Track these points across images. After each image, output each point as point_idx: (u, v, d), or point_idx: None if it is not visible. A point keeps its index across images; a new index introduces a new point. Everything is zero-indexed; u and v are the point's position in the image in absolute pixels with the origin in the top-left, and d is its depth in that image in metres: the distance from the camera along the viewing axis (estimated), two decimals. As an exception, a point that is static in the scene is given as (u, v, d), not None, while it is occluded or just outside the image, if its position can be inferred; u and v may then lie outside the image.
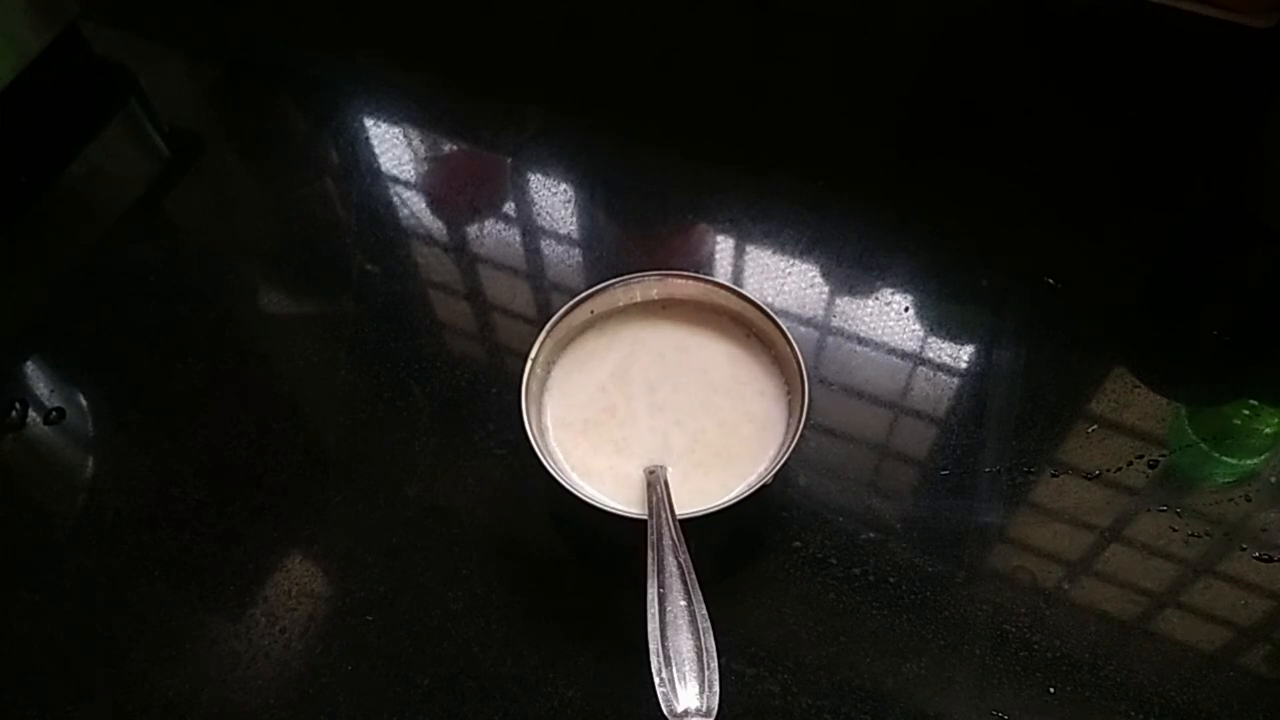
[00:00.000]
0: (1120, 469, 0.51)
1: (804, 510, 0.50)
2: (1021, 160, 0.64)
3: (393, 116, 0.70)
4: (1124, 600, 0.47)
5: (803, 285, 0.59)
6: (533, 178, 0.66)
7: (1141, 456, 0.51)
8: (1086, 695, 0.44)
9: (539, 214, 0.63)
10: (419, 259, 0.62)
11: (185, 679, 0.47)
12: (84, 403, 0.57)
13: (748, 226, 0.62)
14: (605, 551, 0.50)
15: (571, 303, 0.50)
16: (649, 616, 0.40)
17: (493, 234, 0.63)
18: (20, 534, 0.52)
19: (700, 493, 0.46)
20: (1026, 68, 0.69)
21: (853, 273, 0.59)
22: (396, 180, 0.66)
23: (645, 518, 0.44)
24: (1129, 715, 0.44)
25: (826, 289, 0.59)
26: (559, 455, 0.48)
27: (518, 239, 0.63)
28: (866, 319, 0.57)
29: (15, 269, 0.64)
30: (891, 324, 0.57)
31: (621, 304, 0.52)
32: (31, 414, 0.56)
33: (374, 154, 0.67)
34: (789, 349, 0.48)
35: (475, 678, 0.46)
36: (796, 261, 0.60)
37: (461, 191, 0.65)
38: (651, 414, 0.49)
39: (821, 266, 0.60)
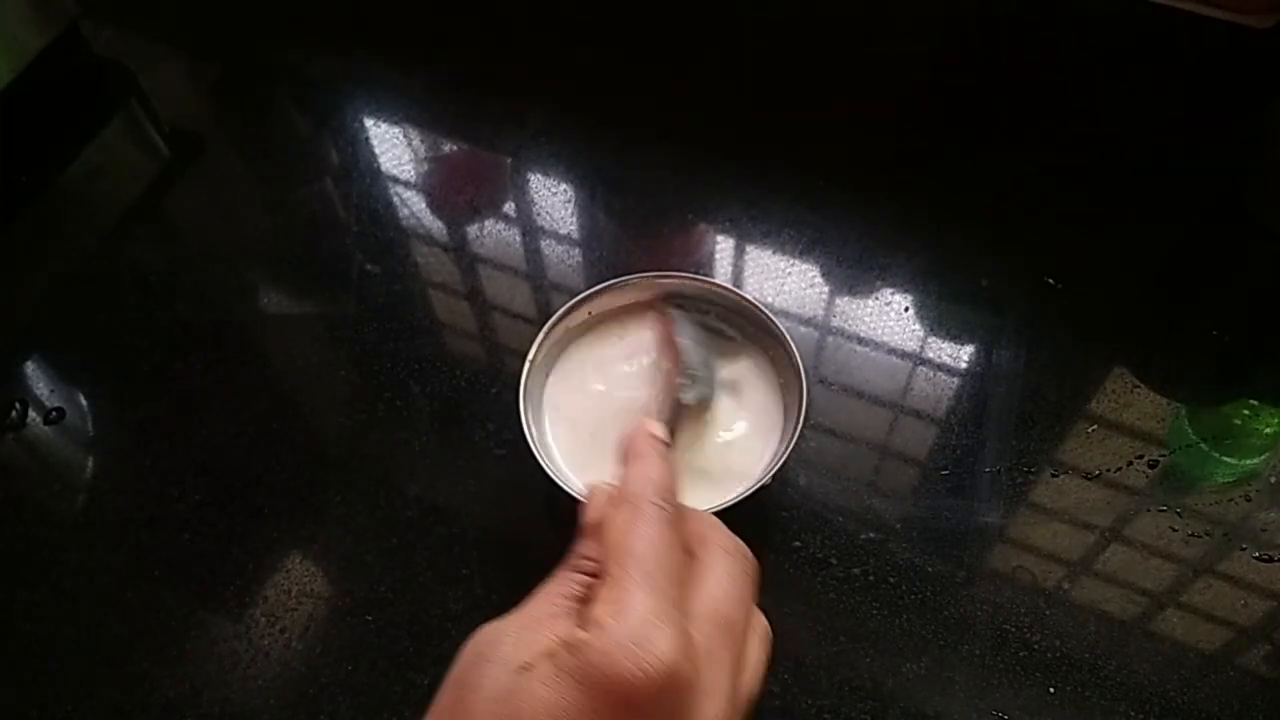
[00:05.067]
0: (1120, 469, 0.51)
1: (804, 510, 0.50)
2: (1022, 160, 0.64)
3: (393, 116, 0.70)
4: (1124, 600, 0.47)
5: (803, 285, 0.59)
6: (533, 178, 0.66)
7: (1141, 456, 0.51)
8: (1086, 695, 0.44)
9: (539, 214, 0.63)
10: (419, 259, 0.62)
11: (185, 679, 0.47)
12: (84, 403, 0.57)
13: (748, 226, 0.62)
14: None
15: (570, 303, 0.50)
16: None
17: (493, 234, 0.63)
18: (20, 534, 0.52)
19: (699, 493, 0.46)
20: (1026, 68, 0.69)
21: (853, 273, 0.59)
22: (396, 180, 0.66)
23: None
24: (1129, 715, 0.44)
25: (826, 289, 0.59)
26: (558, 455, 0.48)
27: (518, 239, 0.63)
28: (866, 319, 0.57)
29: (15, 269, 0.64)
30: (891, 324, 0.57)
31: (620, 304, 0.52)
32: (31, 414, 0.56)
33: (374, 154, 0.67)
34: (787, 349, 0.48)
35: (475, 678, 0.46)
36: (796, 261, 0.60)
37: (461, 191, 0.65)
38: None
39: (821, 266, 0.60)
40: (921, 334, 0.57)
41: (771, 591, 0.48)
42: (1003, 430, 0.52)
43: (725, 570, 0.31)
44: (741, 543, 0.33)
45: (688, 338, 0.47)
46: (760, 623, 0.33)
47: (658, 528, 0.31)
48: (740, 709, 0.30)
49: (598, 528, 0.32)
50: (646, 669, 0.26)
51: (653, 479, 0.33)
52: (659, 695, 0.27)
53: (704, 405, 0.47)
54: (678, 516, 0.32)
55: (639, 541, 0.30)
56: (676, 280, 0.51)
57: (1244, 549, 0.48)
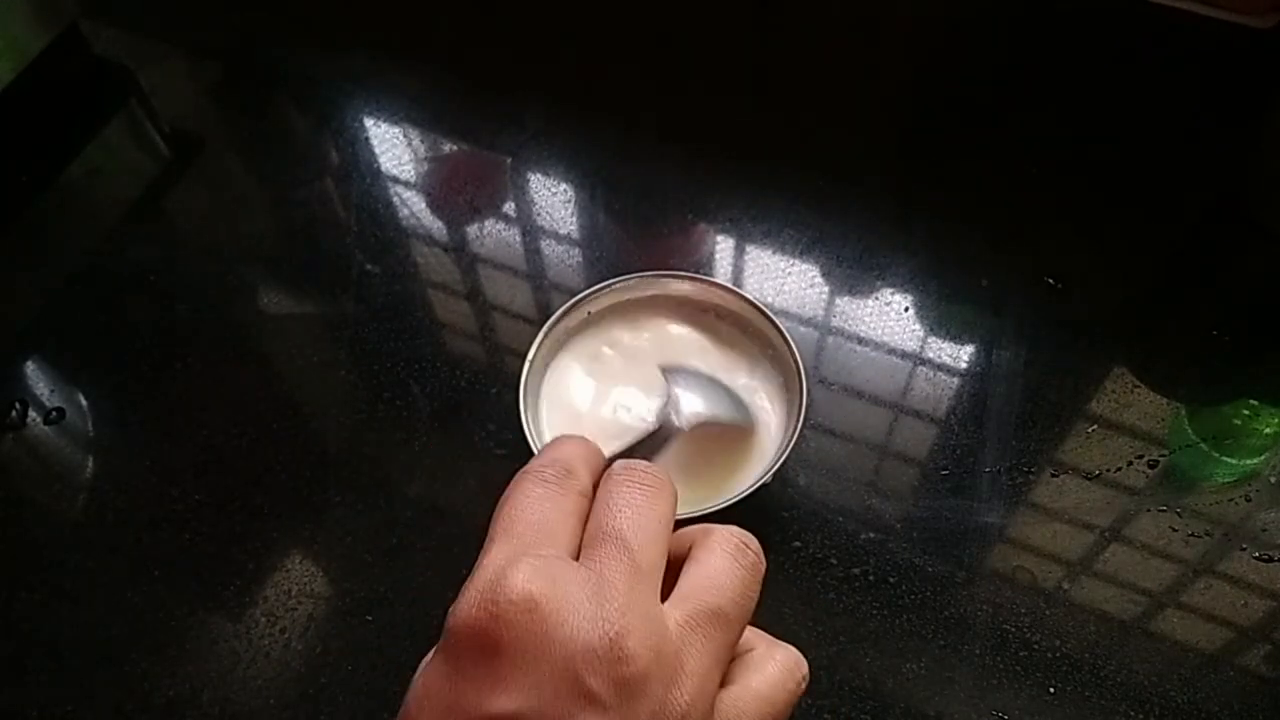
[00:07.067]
0: (1120, 469, 0.51)
1: (804, 510, 0.50)
2: (1022, 160, 0.64)
3: (393, 116, 0.70)
4: (1124, 600, 0.47)
5: (803, 285, 0.59)
6: (533, 178, 0.66)
7: (1141, 456, 0.51)
8: (1086, 695, 0.44)
9: (539, 214, 0.63)
10: (419, 259, 0.62)
11: (185, 679, 0.47)
12: (84, 403, 0.57)
13: (748, 226, 0.62)
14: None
15: (569, 303, 0.50)
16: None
17: (493, 234, 0.63)
18: (20, 534, 0.52)
19: (699, 492, 0.46)
20: (1027, 67, 0.69)
21: (853, 273, 0.59)
22: (396, 180, 0.66)
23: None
24: (1129, 715, 0.44)
25: (826, 289, 0.59)
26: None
27: (518, 239, 0.63)
28: (866, 319, 0.57)
29: (15, 269, 0.64)
30: (891, 324, 0.57)
31: (619, 304, 0.52)
32: (31, 414, 0.56)
33: (374, 154, 0.67)
34: (787, 349, 0.48)
35: (475, 678, 0.46)
36: (796, 261, 0.60)
37: (461, 191, 0.65)
38: (649, 414, 0.49)
39: (821, 266, 0.60)
40: (921, 334, 0.57)
41: (772, 591, 0.49)
42: (1003, 430, 0.52)
43: (715, 562, 0.29)
44: (744, 537, 0.30)
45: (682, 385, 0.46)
46: (786, 651, 0.31)
47: (528, 487, 0.30)
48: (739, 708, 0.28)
49: None
50: (491, 608, 0.25)
51: (550, 454, 0.31)
52: (523, 633, 0.25)
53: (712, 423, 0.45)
54: (566, 480, 0.30)
55: (505, 505, 0.30)
56: (676, 280, 0.51)
57: (1244, 549, 0.48)
